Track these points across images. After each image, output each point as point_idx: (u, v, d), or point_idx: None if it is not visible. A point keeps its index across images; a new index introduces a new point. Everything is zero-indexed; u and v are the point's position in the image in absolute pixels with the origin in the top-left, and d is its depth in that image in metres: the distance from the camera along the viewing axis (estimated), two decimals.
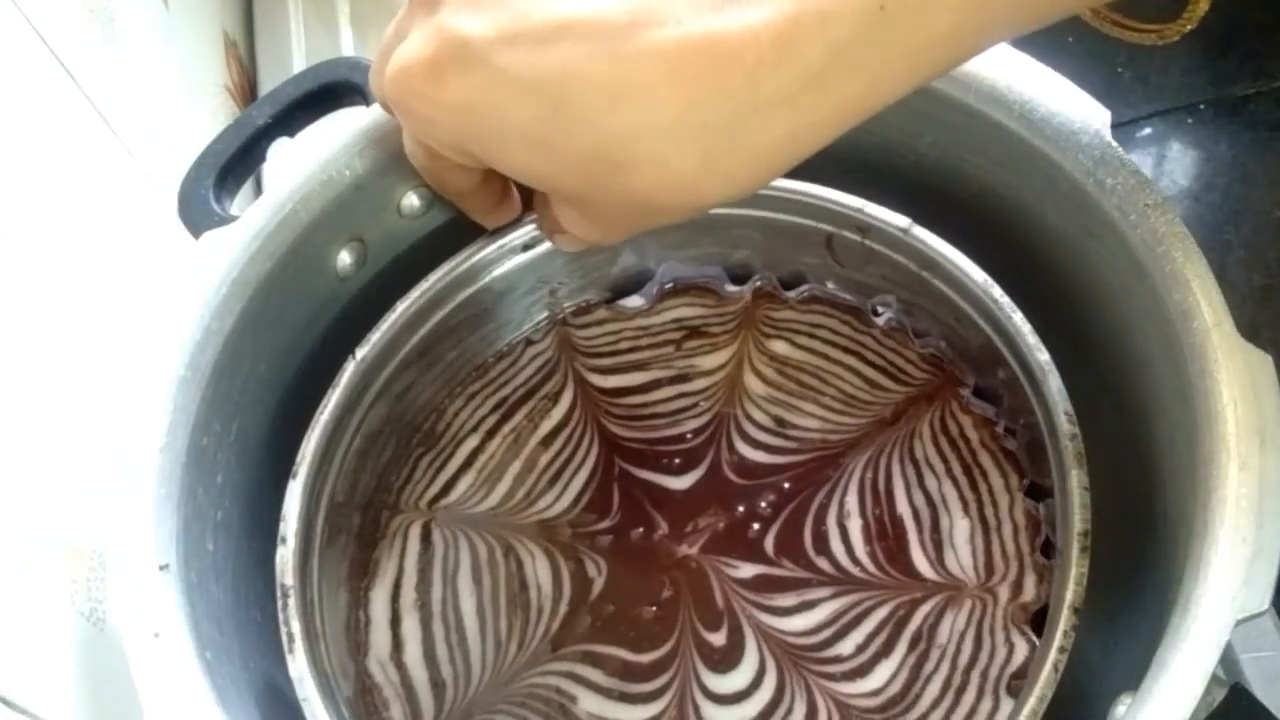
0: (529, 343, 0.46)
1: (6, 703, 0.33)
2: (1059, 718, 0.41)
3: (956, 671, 0.38)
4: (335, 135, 0.40)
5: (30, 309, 0.40)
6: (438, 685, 0.40)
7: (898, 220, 0.40)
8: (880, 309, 0.44)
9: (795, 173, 0.39)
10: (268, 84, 0.69)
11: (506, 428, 0.45)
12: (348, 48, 0.69)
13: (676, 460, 0.44)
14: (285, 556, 0.36)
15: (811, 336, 0.45)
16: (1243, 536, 0.30)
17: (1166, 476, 0.36)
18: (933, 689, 0.38)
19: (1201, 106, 1.11)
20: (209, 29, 0.65)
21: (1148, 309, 0.35)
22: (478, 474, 0.44)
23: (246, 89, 0.69)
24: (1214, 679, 0.29)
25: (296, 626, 0.35)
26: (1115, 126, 0.37)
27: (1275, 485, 0.31)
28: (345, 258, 0.41)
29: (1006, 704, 0.38)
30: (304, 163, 0.40)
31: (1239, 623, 0.30)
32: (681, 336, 0.46)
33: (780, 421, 0.44)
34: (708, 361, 0.45)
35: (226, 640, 0.36)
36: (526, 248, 0.42)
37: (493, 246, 0.41)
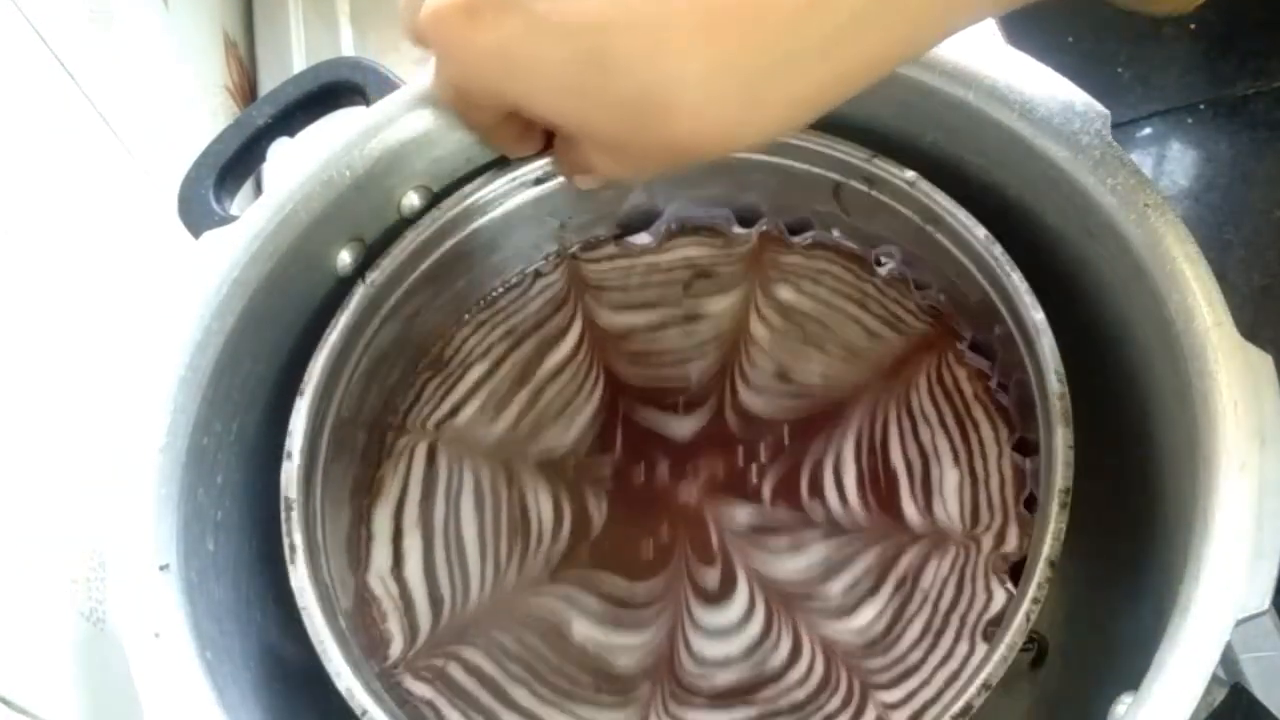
0: (539, 274, 0.47)
1: (6, 703, 0.33)
2: (1059, 717, 0.41)
3: (937, 615, 0.39)
4: (335, 135, 0.40)
5: (30, 309, 0.40)
6: (436, 601, 0.41)
7: (904, 173, 0.40)
8: (884, 259, 0.44)
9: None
10: (268, 84, 0.69)
11: (515, 356, 0.45)
12: (348, 48, 0.69)
13: (680, 403, 0.44)
14: (290, 471, 0.38)
15: (816, 283, 0.45)
16: (1243, 536, 0.30)
17: (1166, 476, 0.36)
18: (913, 630, 0.39)
19: (1201, 106, 1.11)
20: (209, 29, 0.65)
21: (1148, 309, 0.35)
22: (484, 400, 0.45)
23: (246, 89, 0.69)
24: (1214, 679, 0.29)
25: (299, 538, 0.37)
26: (1115, 126, 0.37)
27: (1275, 485, 0.31)
28: (345, 258, 0.41)
29: (981, 648, 0.38)
30: (304, 163, 0.40)
31: (1239, 623, 0.30)
32: (690, 277, 0.46)
33: (783, 369, 0.44)
34: (714, 305, 0.46)
35: (227, 640, 0.37)
36: (538, 182, 0.43)
37: (504, 179, 0.42)
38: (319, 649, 0.35)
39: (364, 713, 0.34)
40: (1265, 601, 0.30)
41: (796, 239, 0.46)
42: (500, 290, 0.46)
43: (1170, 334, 0.34)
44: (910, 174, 0.40)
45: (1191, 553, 0.31)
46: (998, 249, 0.38)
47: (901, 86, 0.40)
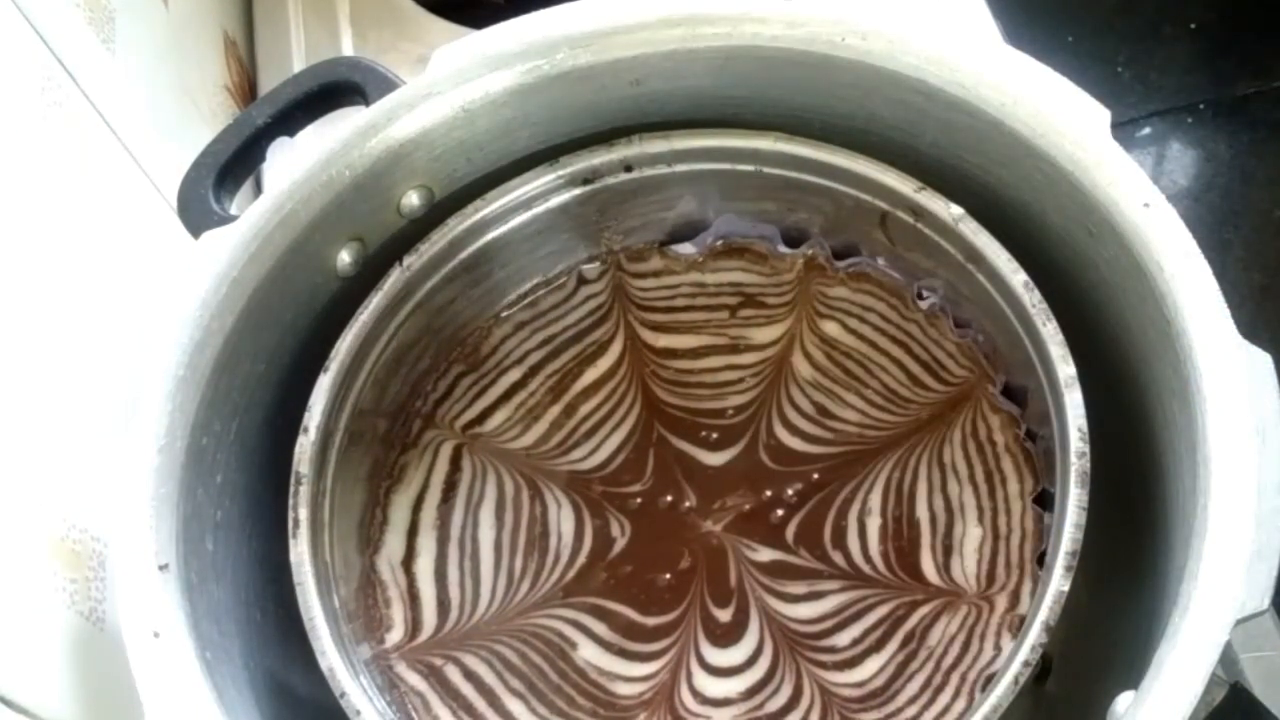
0: (582, 281, 0.46)
1: (6, 702, 0.33)
2: (1059, 718, 0.41)
3: (939, 673, 0.39)
4: (335, 135, 0.40)
5: (30, 309, 0.40)
6: (443, 604, 0.41)
7: (950, 208, 0.40)
8: (926, 293, 0.44)
9: (853, 148, 0.41)
10: (268, 84, 0.69)
11: (551, 367, 0.45)
12: (348, 48, 0.69)
13: (714, 435, 0.44)
14: (305, 445, 0.38)
15: (862, 320, 0.45)
16: (1242, 536, 0.30)
17: (1167, 477, 0.36)
18: (913, 686, 0.39)
19: (1201, 106, 1.12)
20: (209, 29, 0.65)
21: (1148, 309, 0.35)
22: (516, 409, 0.45)
23: (246, 89, 0.69)
24: (1214, 679, 0.29)
25: (304, 514, 0.37)
26: (1115, 126, 0.37)
27: (1275, 485, 0.31)
28: (345, 258, 0.41)
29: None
30: (304, 163, 0.40)
31: (1239, 623, 0.30)
32: (737, 303, 0.46)
33: (822, 410, 0.44)
34: (761, 335, 0.45)
35: (226, 640, 0.37)
36: (586, 181, 0.43)
37: (551, 176, 0.42)
38: (308, 625, 0.35)
39: (343, 694, 0.35)
40: (1265, 601, 0.30)
41: (841, 264, 0.45)
42: (542, 290, 0.46)
43: (1170, 334, 0.34)
44: (956, 210, 0.40)
45: (1191, 553, 0.31)
46: (1036, 296, 0.38)
47: (901, 86, 0.40)
